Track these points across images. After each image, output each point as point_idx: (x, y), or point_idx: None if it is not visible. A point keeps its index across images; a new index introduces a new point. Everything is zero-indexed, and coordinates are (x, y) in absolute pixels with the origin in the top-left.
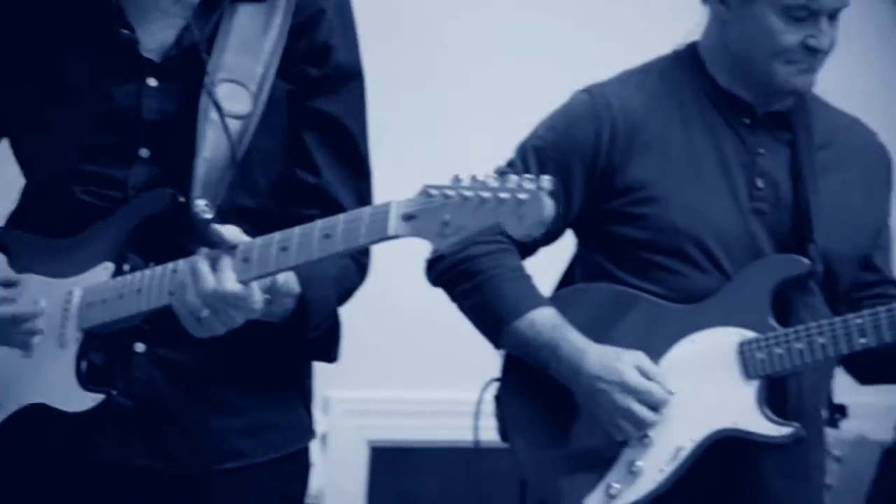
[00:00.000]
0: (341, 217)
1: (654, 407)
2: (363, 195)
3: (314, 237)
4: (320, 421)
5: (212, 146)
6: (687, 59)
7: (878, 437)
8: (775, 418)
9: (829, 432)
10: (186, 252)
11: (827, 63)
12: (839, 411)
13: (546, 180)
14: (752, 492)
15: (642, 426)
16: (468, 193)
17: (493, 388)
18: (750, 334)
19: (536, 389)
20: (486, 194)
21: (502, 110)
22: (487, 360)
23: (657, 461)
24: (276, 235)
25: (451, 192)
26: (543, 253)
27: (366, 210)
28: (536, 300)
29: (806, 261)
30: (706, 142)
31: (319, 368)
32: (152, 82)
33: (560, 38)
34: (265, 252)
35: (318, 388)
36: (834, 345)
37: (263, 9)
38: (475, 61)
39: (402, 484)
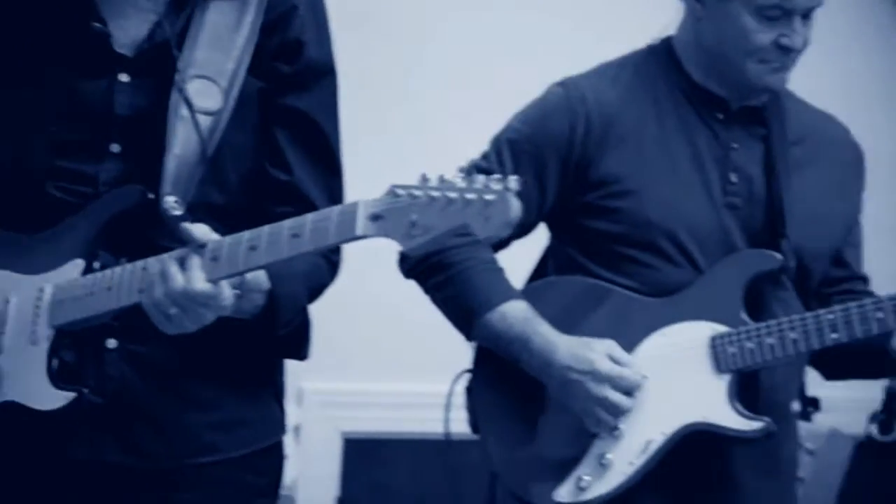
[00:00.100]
0: (310, 217)
1: (629, 392)
2: (334, 192)
3: (283, 236)
4: (294, 413)
5: (182, 142)
6: (662, 54)
7: (851, 431)
8: (746, 413)
9: (803, 425)
10: (157, 248)
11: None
12: (812, 404)
13: (513, 181)
14: (722, 486)
15: (618, 412)
16: (435, 194)
17: (465, 380)
18: (721, 328)
19: (508, 382)
20: (453, 195)
21: (485, 109)
22: (460, 353)
23: (627, 454)
24: (245, 234)
25: (418, 193)
26: (516, 246)
27: (334, 210)
28: (508, 293)
29: (778, 256)
30: (680, 136)
31: (292, 361)
32: (124, 78)
33: (545, 37)
34: (234, 251)
35: (291, 379)
36: (805, 340)
37: (235, 5)
38: (459, 60)
39: (376, 475)
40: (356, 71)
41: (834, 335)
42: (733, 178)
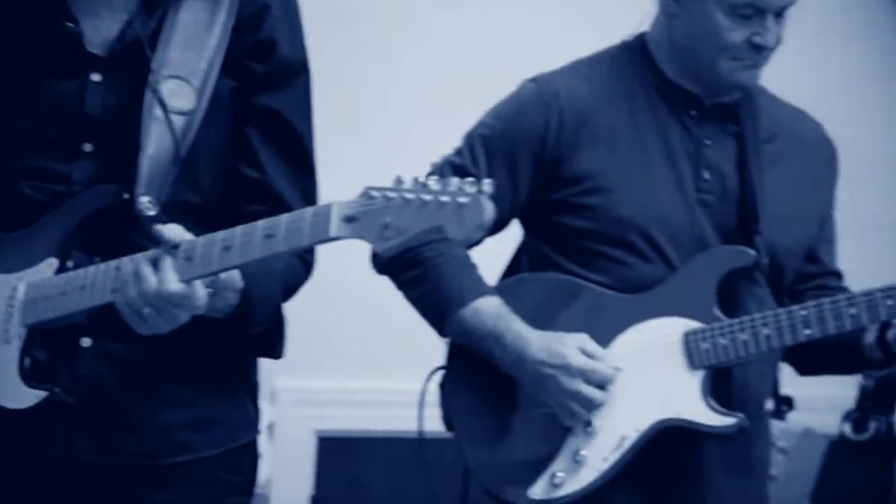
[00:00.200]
0: (284, 217)
1: (601, 385)
2: (308, 191)
3: (256, 237)
4: (268, 411)
5: (156, 142)
6: (635, 51)
7: (824, 430)
8: (720, 409)
9: (776, 424)
10: (131, 247)
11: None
12: (786, 403)
13: (487, 184)
14: (694, 483)
15: (592, 406)
16: (409, 196)
17: (438, 378)
18: (695, 324)
19: (481, 379)
20: (427, 197)
21: (463, 109)
22: (434, 351)
23: (601, 450)
24: (219, 234)
25: (392, 195)
26: (489, 242)
27: (308, 211)
28: (481, 289)
29: (752, 252)
30: (653, 133)
31: (266, 359)
32: (96, 77)
33: (523, 36)
34: (208, 251)
35: (265, 377)
36: (779, 336)
37: (208, 5)
38: (436, 59)
39: (350, 473)
40: (333, 70)
41: (807, 331)
42: (706, 174)
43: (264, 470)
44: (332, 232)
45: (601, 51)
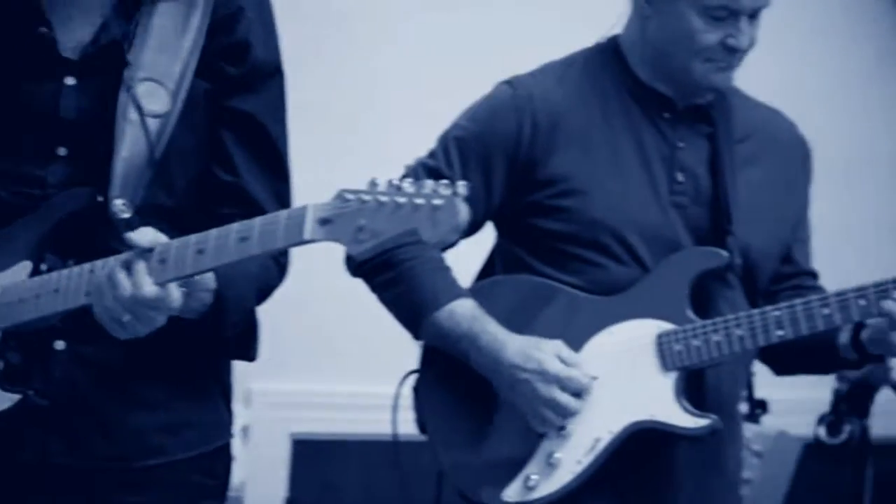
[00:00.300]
0: (258, 220)
1: (577, 394)
2: (281, 194)
3: (231, 240)
4: (242, 414)
5: (130, 145)
6: (608, 53)
7: (799, 433)
8: (693, 410)
9: (750, 427)
10: (105, 250)
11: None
12: (760, 406)
13: (461, 187)
14: (666, 484)
15: (566, 414)
16: (384, 199)
17: (412, 381)
18: (668, 326)
19: (455, 382)
20: (401, 199)
21: (441, 112)
22: (409, 354)
23: (575, 453)
24: (193, 238)
25: (367, 197)
26: (463, 244)
27: (282, 213)
28: (456, 291)
29: (724, 253)
30: (627, 136)
31: (241, 362)
32: (70, 81)
33: (504, 39)
34: (182, 254)
35: (239, 380)
36: (752, 337)
37: (182, 7)
38: (413, 62)
39: (325, 477)
40: (309, 71)
41: (780, 332)
42: (680, 177)
43: (239, 473)
44: (307, 235)
45: (574, 53)
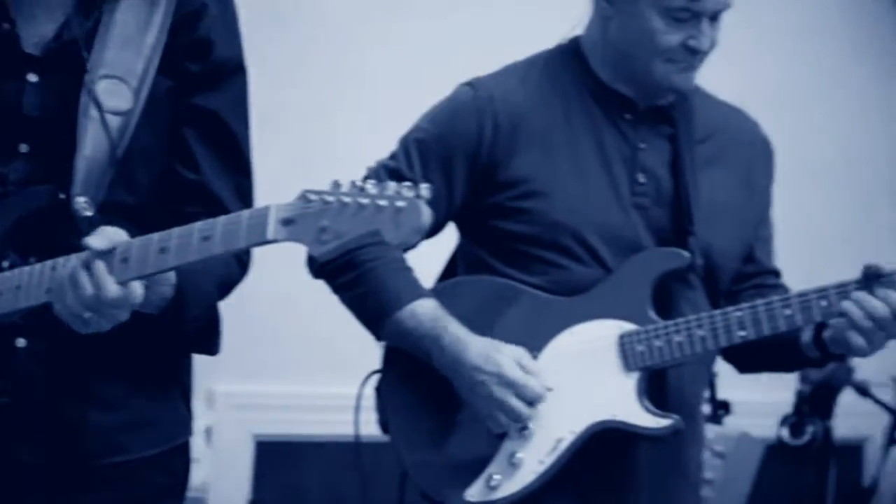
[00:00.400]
0: (221, 219)
1: (531, 402)
2: (244, 192)
3: (193, 239)
4: (205, 415)
5: (92, 143)
6: (570, 54)
7: (761, 434)
8: (655, 410)
9: (713, 428)
10: (67, 248)
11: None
12: (723, 407)
13: (424, 188)
14: (628, 485)
15: (518, 420)
16: (347, 199)
17: (374, 381)
18: (630, 326)
19: (417, 381)
20: (364, 201)
21: (404, 113)
22: (372, 355)
23: (537, 453)
24: (155, 236)
25: (329, 198)
26: (425, 246)
27: (245, 213)
28: (418, 291)
29: (686, 254)
30: (588, 137)
31: (204, 363)
32: (33, 78)
33: (472, 41)
34: (144, 252)
35: (202, 382)
36: (713, 337)
37: (145, 4)
38: (380, 64)
39: (288, 478)
40: (276, 71)
41: (742, 333)
42: (641, 178)
43: (202, 474)
44: (270, 235)
45: (536, 54)
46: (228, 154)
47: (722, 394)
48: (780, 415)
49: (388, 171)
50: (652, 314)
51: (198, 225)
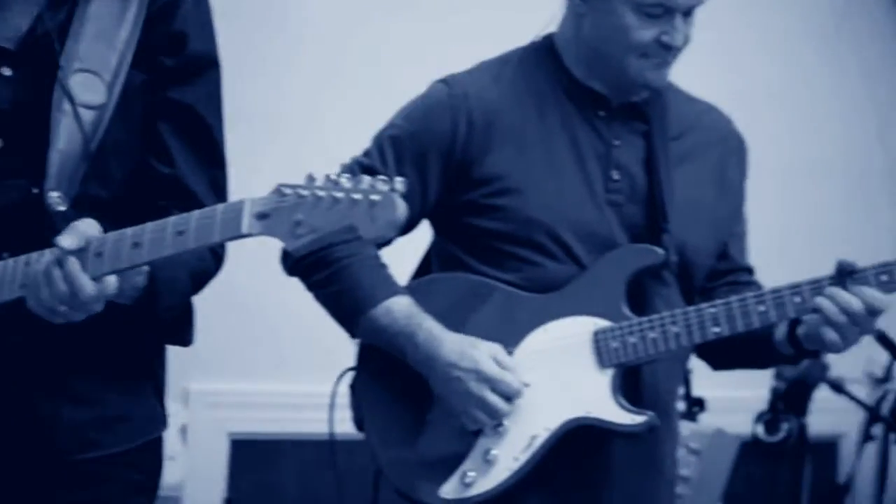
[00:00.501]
0: (195, 213)
1: (508, 397)
2: (218, 185)
3: (167, 233)
4: (180, 413)
5: (65, 137)
6: (543, 51)
7: (736, 431)
8: (630, 407)
9: (688, 425)
10: (41, 242)
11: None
12: (698, 404)
13: (399, 182)
14: (602, 482)
15: (495, 416)
16: (321, 194)
17: (348, 379)
18: (604, 323)
19: (391, 378)
20: (339, 195)
21: (379, 110)
22: (347, 352)
23: (512, 449)
24: (129, 231)
25: (304, 192)
26: (399, 242)
27: (219, 207)
28: (392, 288)
29: (660, 251)
30: (562, 134)
31: (179, 361)
32: (6, 72)
33: (440, 42)
34: (118, 247)
35: (177, 380)
36: (688, 334)
37: None
38: (363, 64)
39: (263, 476)
40: (246, 66)
41: (716, 329)
42: (615, 175)
43: (177, 472)
44: (244, 229)
45: (509, 51)
46: (203, 148)
47: (697, 391)
48: (755, 412)
49: (362, 168)
50: (626, 311)
51: (172, 219)
